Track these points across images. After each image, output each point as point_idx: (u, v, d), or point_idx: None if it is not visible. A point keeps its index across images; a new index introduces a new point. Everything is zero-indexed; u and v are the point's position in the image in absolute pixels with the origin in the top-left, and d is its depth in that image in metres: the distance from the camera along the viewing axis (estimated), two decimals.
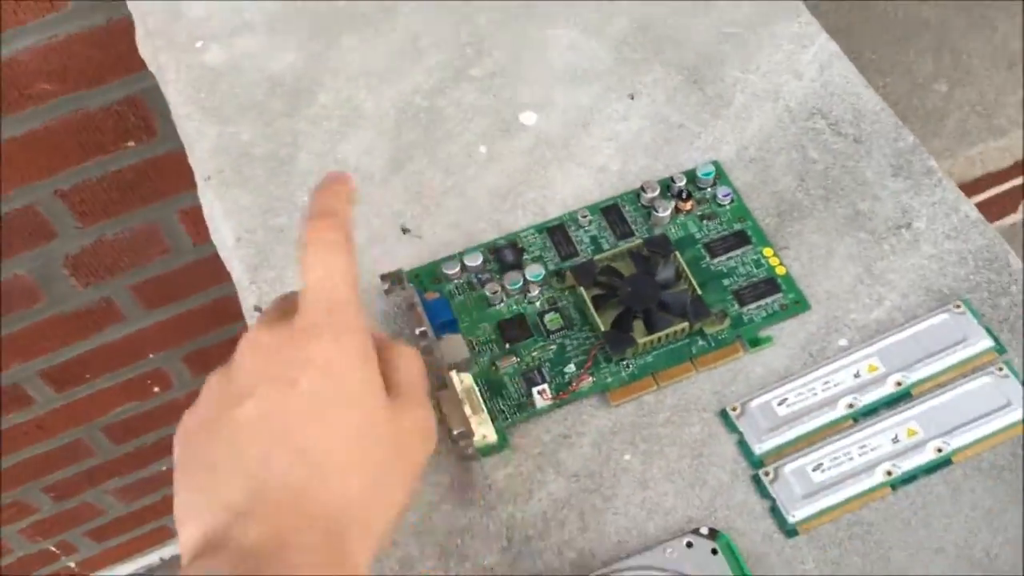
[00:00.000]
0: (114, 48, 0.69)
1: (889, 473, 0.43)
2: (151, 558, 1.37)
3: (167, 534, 1.34)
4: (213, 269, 0.52)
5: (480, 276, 0.49)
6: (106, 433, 1.08)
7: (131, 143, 0.76)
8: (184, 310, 0.97)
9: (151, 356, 1.00)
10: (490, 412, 0.46)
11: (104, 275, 0.89)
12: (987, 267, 0.48)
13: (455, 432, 0.44)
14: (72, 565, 1.29)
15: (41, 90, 0.70)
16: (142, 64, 0.62)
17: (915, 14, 0.95)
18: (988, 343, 0.46)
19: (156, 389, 1.05)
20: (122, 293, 0.91)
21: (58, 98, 0.71)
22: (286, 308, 0.36)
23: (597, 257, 0.49)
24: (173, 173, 0.79)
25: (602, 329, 0.46)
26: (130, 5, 0.62)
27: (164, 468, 1.19)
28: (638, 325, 0.47)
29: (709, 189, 0.51)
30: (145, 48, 0.61)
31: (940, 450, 0.43)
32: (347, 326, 0.34)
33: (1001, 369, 0.45)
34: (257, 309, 0.50)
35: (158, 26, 0.60)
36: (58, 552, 1.25)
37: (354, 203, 0.37)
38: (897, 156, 0.52)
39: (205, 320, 1.00)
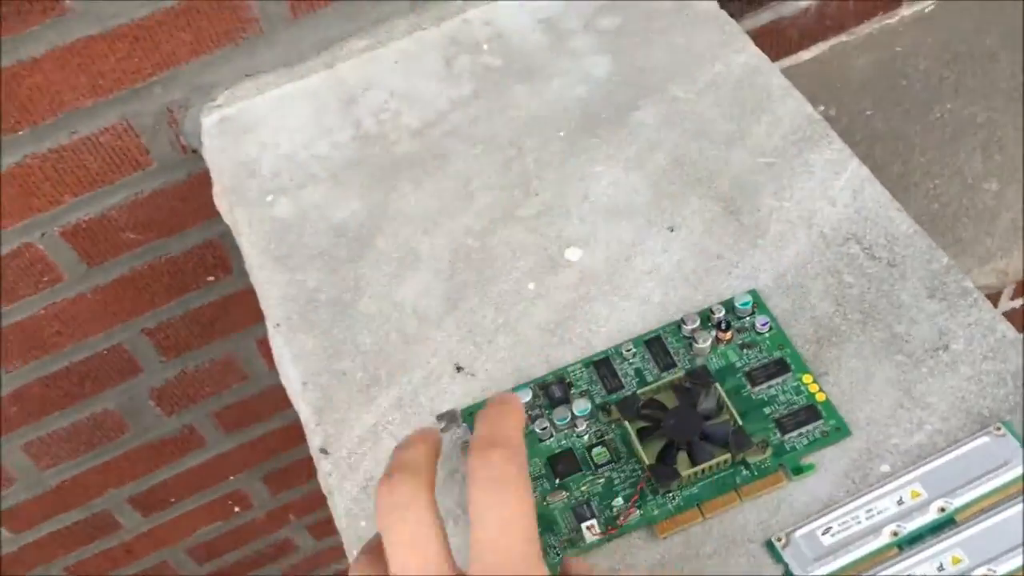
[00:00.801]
0: (194, 200, 0.75)
1: None
2: None
3: None
4: (287, 393, 0.56)
5: (530, 412, 0.52)
6: (189, 554, 1.12)
7: (211, 278, 0.81)
8: (262, 432, 1.01)
9: (231, 478, 1.04)
10: (543, 548, 0.47)
11: (187, 403, 0.94)
12: None
13: None
14: None
15: (128, 239, 0.75)
16: (217, 211, 0.67)
17: (964, 115, 0.97)
18: None
19: (236, 509, 1.09)
20: (203, 420, 0.96)
21: (143, 247, 0.77)
22: (373, 559, 0.33)
23: (641, 391, 0.51)
24: (249, 307, 0.84)
25: (647, 462, 0.48)
26: (208, 162, 0.68)
27: None
28: (682, 457, 0.49)
29: (748, 318, 0.53)
30: (221, 203, 0.66)
31: None
32: None
33: None
34: (323, 451, 0.53)
35: (232, 183, 0.65)
36: None
37: (524, 430, 0.34)
38: (932, 278, 0.53)
39: (282, 440, 1.04)
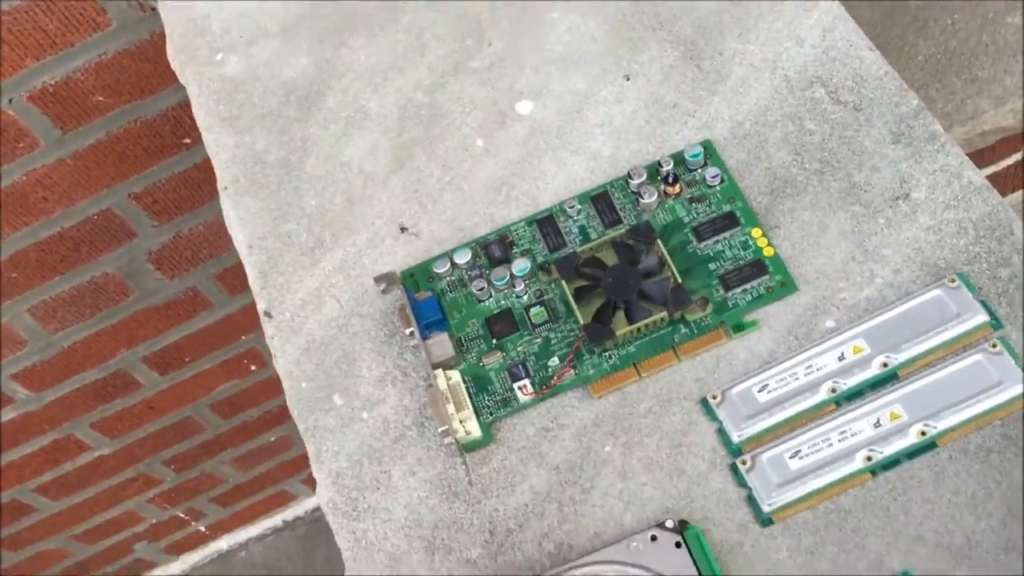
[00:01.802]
0: (161, 60, 0.72)
1: (869, 459, 0.42)
2: (275, 520, 1.45)
3: (287, 498, 1.42)
4: None
5: (469, 273, 0.50)
6: (213, 410, 1.15)
7: (187, 140, 0.80)
8: None
9: (243, 338, 1.06)
10: (476, 408, 0.47)
11: (187, 266, 0.94)
12: (988, 236, 0.46)
13: (439, 430, 0.46)
14: (203, 529, 1.39)
15: (99, 103, 0.74)
16: None
17: None
18: (983, 318, 0.44)
19: (252, 367, 1.11)
20: (206, 282, 0.97)
21: (115, 110, 0.75)
22: None
23: (581, 248, 0.49)
24: None
25: (582, 321, 0.47)
26: (164, 19, 0.66)
27: (273, 439, 1.26)
28: (620, 316, 0.47)
29: (699, 171, 0.50)
30: (175, 63, 0.65)
31: (924, 433, 0.42)
32: None
33: (995, 346, 0.43)
34: (267, 314, 0.53)
35: (183, 42, 0.63)
36: (187, 518, 1.35)
37: None
38: (898, 122, 0.50)
39: None
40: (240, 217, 0.56)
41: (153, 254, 0.91)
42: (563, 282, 0.48)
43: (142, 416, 1.11)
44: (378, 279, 0.50)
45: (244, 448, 1.26)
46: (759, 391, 0.45)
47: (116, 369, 1.02)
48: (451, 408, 0.46)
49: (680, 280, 0.47)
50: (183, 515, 1.33)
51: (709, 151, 0.51)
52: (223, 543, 1.43)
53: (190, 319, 1.01)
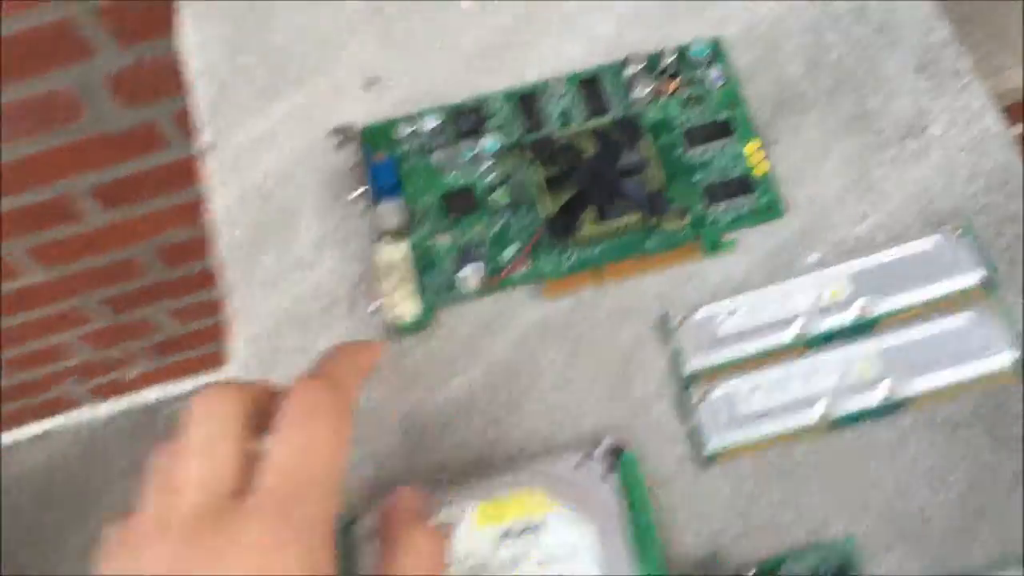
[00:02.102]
0: None
1: (828, 412, 0.39)
2: (208, 379, 1.42)
3: (222, 359, 1.38)
4: None
5: (435, 141, 0.46)
6: (158, 255, 1.10)
7: None
8: None
9: (198, 185, 1.01)
10: (420, 288, 0.43)
11: (147, 98, 0.88)
12: (999, 188, 0.42)
13: (372, 305, 0.42)
14: (132, 376, 1.35)
15: None
16: None
17: None
18: (981, 274, 0.40)
19: (204, 217, 1.06)
20: (165, 119, 0.91)
21: None
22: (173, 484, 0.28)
23: (560, 134, 0.44)
24: None
25: (548, 211, 0.42)
26: None
27: (215, 296, 1.21)
28: (591, 213, 0.43)
29: (701, 70, 0.46)
30: None
31: (892, 393, 0.39)
32: (312, 518, 0.27)
33: (988, 308, 0.39)
34: (211, 145, 0.48)
35: None
36: (119, 361, 1.31)
37: (368, 375, 0.32)
38: (925, 51, 0.45)
39: None
40: (198, 40, 0.51)
41: (111, 78, 0.85)
42: (535, 165, 0.43)
43: (81, 249, 1.06)
44: (334, 131, 0.45)
45: (185, 301, 1.21)
46: (724, 319, 0.41)
47: (58, 195, 0.96)
48: (391, 284, 0.42)
49: (662, 184, 0.42)
50: (115, 357, 1.29)
51: (717, 50, 0.46)
52: (152, 394, 1.40)
53: (143, 155, 0.95)
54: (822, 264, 0.42)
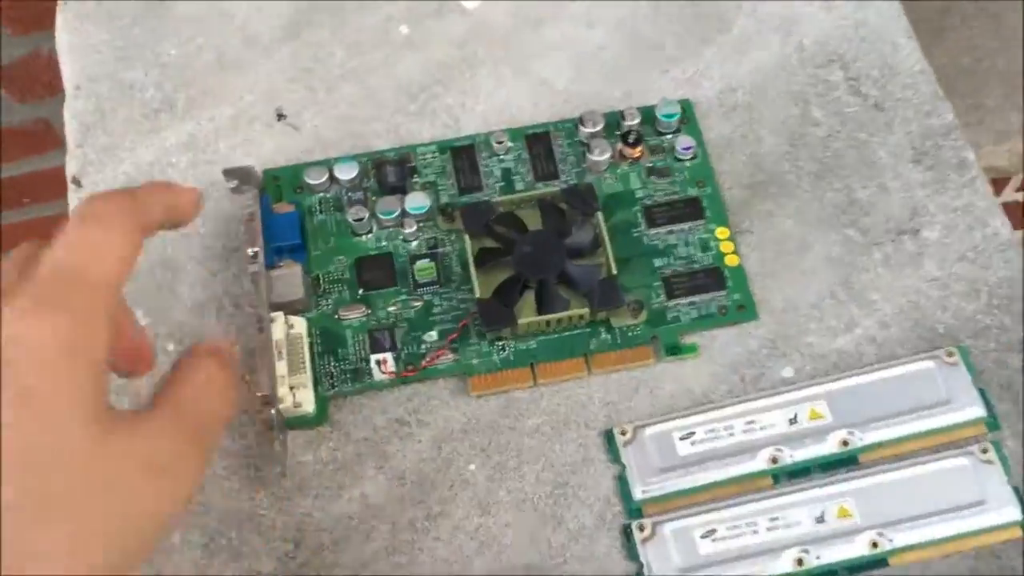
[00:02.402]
0: None
1: (800, 562, 0.32)
2: None
3: None
4: None
5: (351, 195, 0.38)
6: None
7: None
8: None
9: None
10: (317, 374, 0.35)
11: (41, 94, 0.79)
12: (1004, 308, 0.36)
13: (258, 392, 0.34)
14: None
15: None
16: None
17: None
18: (979, 412, 0.34)
19: None
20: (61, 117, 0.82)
21: None
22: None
23: (499, 199, 0.37)
24: None
25: (478, 294, 0.35)
26: None
27: None
28: (529, 299, 0.36)
29: (670, 136, 0.39)
30: None
31: (876, 545, 0.33)
32: (88, 312, 0.23)
33: (986, 451, 0.34)
34: (75, 182, 0.40)
35: None
36: None
37: (178, 221, 0.28)
38: (924, 137, 0.39)
39: None
40: (74, 44, 0.42)
41: (3, 70, 0.75)
42: (466, 237, 0.36)
43: None
44: (229, 173, 0.38)
45: None
46: (681, 439, 0.34)
47: None
48: (283, 367, 0.35)
49: (615, 271, 0.36)
50: None
51: (687, 115, 0.40)
52: None
53: (39, 154, 0.85)
54: (797, 380, 0.35)
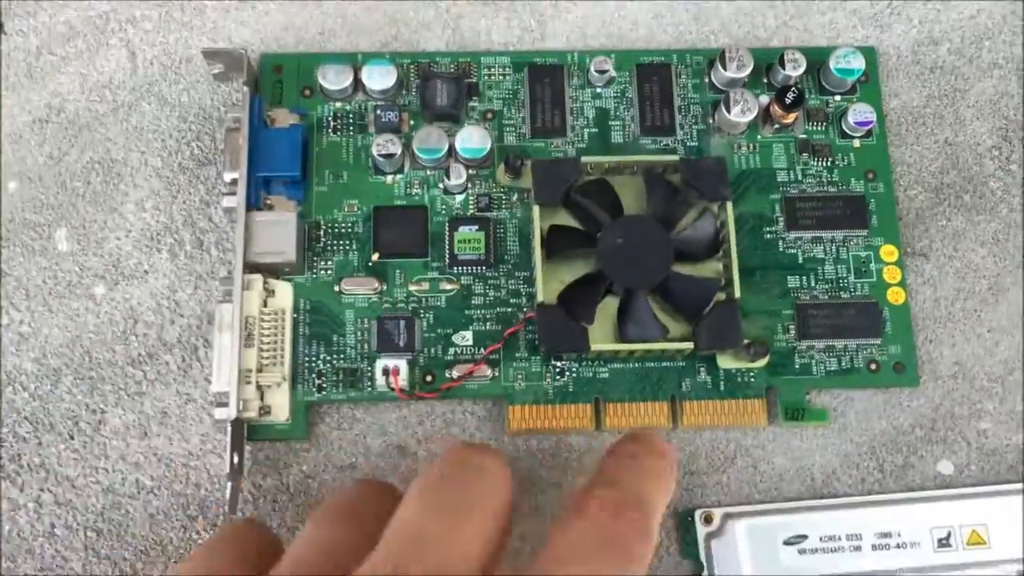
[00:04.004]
0: None
1: None
2: None
3: None
4: None
5: (381, 113, 0.27)
6: None
7: None
8: None
9: None
10: (297, 368, 0.25)
11: None
12: None
13: (212, 389, 0.24)
14: None
15: None
16: None
17: None
18: None
19: None
20: None
21: None
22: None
23: (589, 159, 0.26)
24: None
25: (541, 297, 0.25)
26: None
27: None
28: (608, 306, 0.25)
29: (839, 99, 0.28)
30: None
31: None
32: None
33: None
34: None
35: None
36: None
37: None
38: None
39: None
40: None
41: None
42: (535, 206, 0.25)
43: None
44: (212, 55, 0.26)
45: None
46: (787, 542, 0.25)
47: None
48: (251, 357, 0.25)
49: (738, 293, 0.25)
50: None
51: (869, 71, 0.28)
52: None
53: None
54: (958, 482, 0.26)
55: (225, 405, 0.24)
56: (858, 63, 0.27)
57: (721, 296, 0.25)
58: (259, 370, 0.25)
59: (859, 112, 0.27)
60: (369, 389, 0.25)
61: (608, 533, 0.18)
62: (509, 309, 0.26)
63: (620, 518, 0.19)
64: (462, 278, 0.26)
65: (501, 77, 0.28)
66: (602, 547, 0.18)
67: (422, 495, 0.18)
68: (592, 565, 0.18)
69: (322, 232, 0.26)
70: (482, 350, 0.26)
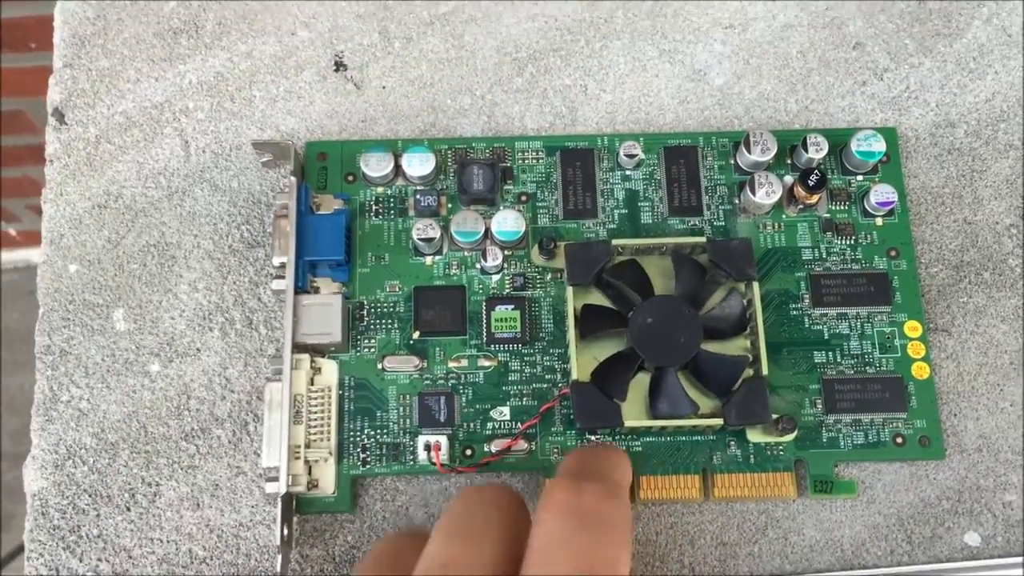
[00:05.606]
0: None
1: None
2: None
3: None
4: None
5: (421, 199, 0.28)
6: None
7: None
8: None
9: None
10: (343, 444, 0.26)
11: None
12: None
13: (263, 463, 0.25)
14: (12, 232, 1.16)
15: None
16: None
17: None
18: None
19: None
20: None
21: None
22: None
23: (619, 242, 0.27)
24: None
25: (575, 372, 0.26)
26: None
27: None
28: (639, 382, 0.26)
29: (861, 179, 0.29)
30: None
31: None
32: None
33: None
34: (57, 115, 0.30)
35: None
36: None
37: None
38: None
39: None
40: None
41: None
42: (569, 287, 0.27)
43: None
44: (259, 146, 0.28)
45: None
46: None
47: None
48: (300, 434, 0.26)
49: (766, 370, 0.26)
50: None
51: (891, 150, 0.29)
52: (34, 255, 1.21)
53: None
54: (985, 553, 0.26)
55: (276, 480, 0.25)
56: (879, 146, 0.28)
57: (749, 372, 0.26)
58: (307, 445, 0.26)
59: (881, 193, 0.28)
60: (411, 463, 0.26)
61: (575, 510, 0.19)
62: (545, 385, 0.27)
63: (581, 492, 0.20)
64: (499, 355, 0.27)
65: (534, 161, 0.29)
66: (573, 524, 0.19)
67: (443, 529, 0.20)
68: (572, 544, 0.19)
69: (365, 312, 0.27)
70: (519, 424, 0.27)
